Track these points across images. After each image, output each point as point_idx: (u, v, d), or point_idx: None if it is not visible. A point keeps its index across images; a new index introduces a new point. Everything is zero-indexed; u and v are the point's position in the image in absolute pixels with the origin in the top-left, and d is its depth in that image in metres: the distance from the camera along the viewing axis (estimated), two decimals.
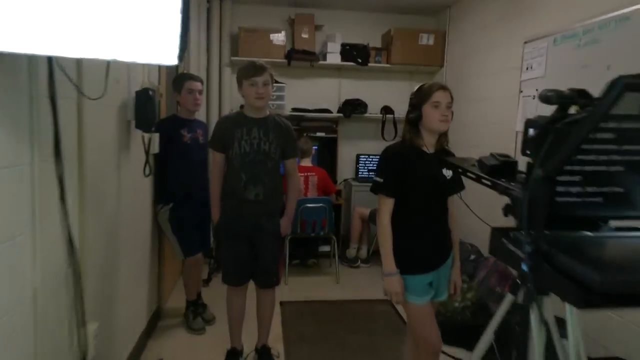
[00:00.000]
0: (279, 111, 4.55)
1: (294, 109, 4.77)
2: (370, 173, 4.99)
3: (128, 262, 2.40)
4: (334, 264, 4.24)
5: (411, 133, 1.91)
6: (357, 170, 4.98)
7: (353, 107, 4.73)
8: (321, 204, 3.89)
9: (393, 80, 5.04)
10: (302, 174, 3.99)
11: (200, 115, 3.62)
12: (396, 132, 4.80)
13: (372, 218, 4.33)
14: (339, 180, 4.97)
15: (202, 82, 3.05)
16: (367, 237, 4.50)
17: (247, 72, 2.32)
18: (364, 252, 4.50)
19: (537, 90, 3.01)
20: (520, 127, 3.27)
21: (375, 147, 5.12)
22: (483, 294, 3.03)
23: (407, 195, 1.90)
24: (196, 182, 2.94)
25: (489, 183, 1.26)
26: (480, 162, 1.32)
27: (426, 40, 4.68)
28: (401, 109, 5.01)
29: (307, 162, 4.08)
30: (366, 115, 4.80)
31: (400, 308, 3.42)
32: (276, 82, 4.95)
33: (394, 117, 4.78)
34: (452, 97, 1.88)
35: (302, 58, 4.56)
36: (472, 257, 3.47)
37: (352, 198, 4.70)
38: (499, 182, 1.22)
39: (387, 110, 4.81)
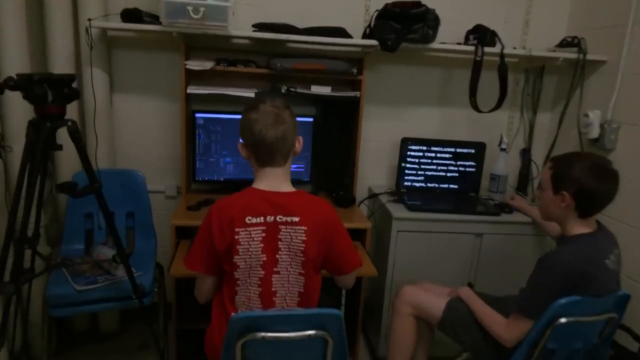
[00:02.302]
0: (219, 30, 1.77)
1: (258, 26, 1.94)
2: (432, 183, 2.24)
3: None
4: None
5: None
6: (400, 172, 2.22)
7: (405, 26, 1.89)
8: (310, 332, 1.17)
9: None
10: (256, 221, 1.22)
11: None
12: (504, 93, 1.99)
13: (450, 323, 1.63)
14: (358, 193, 2.23)
15: None
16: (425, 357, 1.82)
17: None
18: None
19: None
20: None
21: (445, 125, 2.35)
22: None
23: None
24: None
25: None
26: None
27: None
28: (513, 36, 2.19)
29: (276, 177, 1.28)
30: (432, 46, 1.97)
31: None
32: None
33: (502, 54, 1.96)
34: None
35: None
36: None
37: (392, 247, 1.98)
38: None
39: (482, 36, 1.99)
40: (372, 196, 2.24)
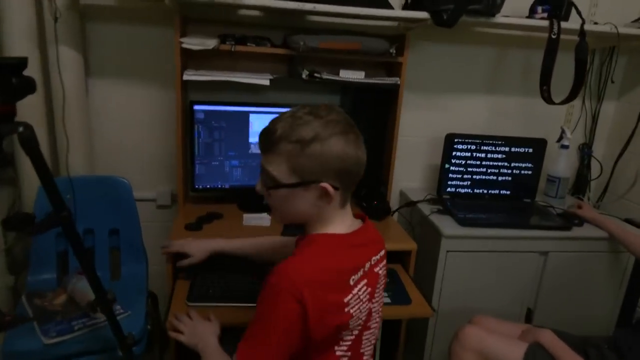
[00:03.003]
0: None
1: None
2: (479, 189, 1.86)
3: None
4: None
5: None
6: (443, 175, 1.84)
7: None
8: None
9: None
10: (358, 277, 0.83)
11: None
12: (581, 80, 1.61)
13: None
14: (392, 197, 1.85)
15: None
16: None
17: None
18: None
19: None
20: None
21: (492, 116, 1.98)
22: None
23: None
24: None
25: None
26: None
27: None
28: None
29: (349, 213, 0.90)
30: (496, 20, 1.56)
31: None
32: None
33: (582, 31, 1.57)
34: None
35: None
36: None
37: (440, 271, 1.61)
38: None
39: (556, 8, 1.58)
40: (410, 204, 1.86)
